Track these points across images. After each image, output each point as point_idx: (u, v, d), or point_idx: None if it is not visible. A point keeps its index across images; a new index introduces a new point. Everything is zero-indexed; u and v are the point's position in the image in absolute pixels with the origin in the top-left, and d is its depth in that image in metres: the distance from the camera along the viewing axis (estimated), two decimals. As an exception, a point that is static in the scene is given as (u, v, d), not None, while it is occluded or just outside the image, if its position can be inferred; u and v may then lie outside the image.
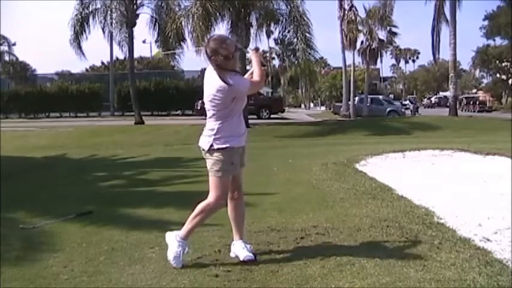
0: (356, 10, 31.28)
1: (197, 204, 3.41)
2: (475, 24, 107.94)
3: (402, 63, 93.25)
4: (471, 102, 48.15)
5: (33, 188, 6.89)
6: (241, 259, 3.40)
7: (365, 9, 32.12)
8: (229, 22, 19.49)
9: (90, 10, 22.77)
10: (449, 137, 15.97)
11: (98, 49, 38.18)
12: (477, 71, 62.56)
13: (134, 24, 22.93)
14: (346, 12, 30.70)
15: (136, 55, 32.12)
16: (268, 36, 31.03)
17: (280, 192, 5.91)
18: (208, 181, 3.40)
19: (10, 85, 39.72)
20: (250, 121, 18.49)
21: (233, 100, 3.29)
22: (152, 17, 23.72)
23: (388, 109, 32.97)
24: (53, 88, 34.82)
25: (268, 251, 3.61)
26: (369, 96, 34.25)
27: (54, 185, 7.20)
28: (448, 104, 28.24)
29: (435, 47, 29.37)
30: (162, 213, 4.99)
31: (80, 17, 22.49)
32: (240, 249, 3.46)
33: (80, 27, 22.50)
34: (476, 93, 61.44)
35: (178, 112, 32.73)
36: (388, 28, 33.12)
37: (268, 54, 62.10)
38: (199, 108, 24.51)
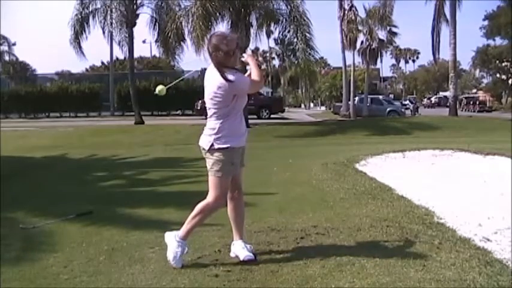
0: (356, 10, 31.27)
1: (197, 204, 3.41)
2: (475, 24, 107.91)
3: (402, 63, 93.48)
4: (471, 102, 48.14)
5: (33, 188, 6.89)
6: (241, 259, 3.40)
7: (365, 9, 32.12)
8: (229, 22, 19.49)
9: (90, 10, 22.79)
10: (449, 137, 15.97)
11: (98, 49, 38.19)
12: (477, 71, 62.59)
13: (134, 24, 22.93)
14: (346, 12, 30.66)
15: (136, 55, 32.19)
16: (268, 36, 30.99)
17: (280, 192, 5.91)
18: (208, 181, 3.40)
19: (10, 85, 39.71)
20: (250, 121, 18.48)
21: (234, 98, 3.29)
22: (152, 17, 23.74)
23: (388, 109, 32.95)
24: (53, 88, 34.84)
25: (268, 251, 3.61)
26: (369, 96, 34.21)
27: (54, 185, 7.20)
28: (448, 104, 28.24)
29: (435, 47, 29.38)
30: (162, 213, 4.99)
31: (80, 17, 22.49)
32: (240, 249, 3.46)
33: (80, 27, 22.50)
34: (476, 93, 61.44)
35: (178, 112, 32.73)
36: (388, 28, 33.06)
37: (268, 54, 62.21)
38: (199, 108, 24.51)
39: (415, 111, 37.06)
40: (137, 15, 23.07)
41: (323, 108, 57.41)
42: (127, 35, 23.12)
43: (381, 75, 73.45)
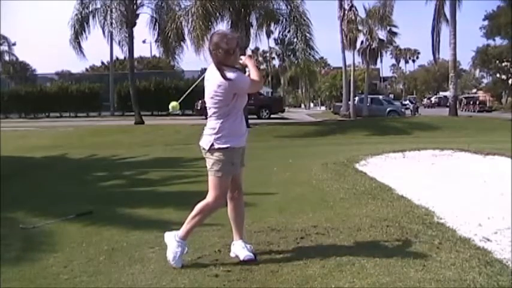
0: (356, 10, 31.25)
1: (197, 204, 3.41)
2: (475, 24, 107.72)
3: (402, 63, 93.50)
4: (471, 102, 48.14)
5: (33, 188, 6.89)
6: (241, 259, 3.40)
7: (365, 9, 32.09)
8: (229, 22, 19.49)
9: (90, 10, 22.79)
10: (449, 137, 15.97)
11: (98, 49, 38.15)
12: (477, 71, 62.57)
13: (134, 24, 22.93)
14: (346, 12, 30.64)
15: (136, 55, 32.17)
16: (268, 36, 31.00)
17: (280, 192, 5.91)
18: (208, 181, 3.40)
19: (10, 85, 39.73)
20: (250, 121, 18.48)
21: (234, 97, 3.29)
22: (152, 17, 23.75)
23: (388, 109, 32.95)
24: (53, 88, 34.87)
25: (268, 251, 3.61)
26: (369, 96, 34.21)
27: (54, 185, 7.20)
28: (448, 104, 28.23)
29: (435, 47, 29.38)
30: (162, 213, 4.99)
31: (79, 16, 22.49)
32: (240, 249, 3.46)
33: (80, 27, 22.50)
34: (476, 93, 61.42)
35: (179, 112, 32.66)
36: (388, 28, 33.04)
37: (268, 54, 62.23)
38: (199, 108, 24.49)
39: (415, 111, 37.06)
40: (137, 15, 23.07)
41: (323, 108, 57.43)
42: (127, 35, 23.12)
43: (381, 75, 73.46)
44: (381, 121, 23.34)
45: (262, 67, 59.59)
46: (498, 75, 50.75)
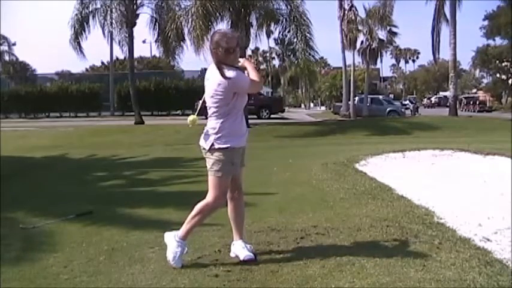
0: (356, 10, 31.24)
1: (197, 204, 3.41)
2: (475, 24, 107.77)
3: (402, 63, 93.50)
4: (471, 102, 48.11)
5: (33, 188, 6.89)
6: (241, 259, 3.40)
7: (365, 9, 32.08)
8: (229, 22, 19.49)
9: (90, 10, 22.79)
10: (449, 137, 15.97)
11: (98, 49, 38.23)
12: (477, 71, 62.55)
13: (134, 24, 22.93)
14: (346, 12, 30.64)
15: (136, 55, 32.19)
16: (268, 36, 30.96)
17: (280, 192, 5.91)
18: (208, 181, 3.40)
19: (10, 85, 39.75)
20: (250, 121, 18.48)
21: (234, 96, 3.30)
22: (152, 17, 23.75)
23: (388, 109, 32.95)
24: (53, 88, 34.91)
25: (268, 251, 3.61)
26: (369, 96, 34.20)
27: (54, 185, 7.20)
28: (448, 104, 28.23)
29: (435, 47, 29.38)
30: (162, 213, 4.99)
31: (79, 16, 22.48)
32: (240, 249, 3.46)
33: (80, 27, 22.50)
34: (476, 93, 61.41)
35: (178, 112, 32.74)
36: (388, 28, 33.03)
37: (268, 54, 62.23)
38: (199, 108, 24.47)
39: (415, 111, 37.05)
40: (137, 15, 23.07)
41: (323, 108, 57.40)
42: (127, 35, 23.12)
43: (381, 75, 73.42)
44: (381, 121, 23.34)
45: (262, 67, 59.60)
46: (498, 75, 50.73)
